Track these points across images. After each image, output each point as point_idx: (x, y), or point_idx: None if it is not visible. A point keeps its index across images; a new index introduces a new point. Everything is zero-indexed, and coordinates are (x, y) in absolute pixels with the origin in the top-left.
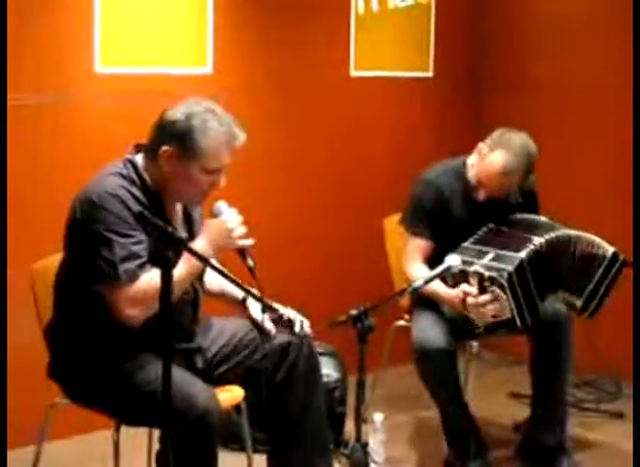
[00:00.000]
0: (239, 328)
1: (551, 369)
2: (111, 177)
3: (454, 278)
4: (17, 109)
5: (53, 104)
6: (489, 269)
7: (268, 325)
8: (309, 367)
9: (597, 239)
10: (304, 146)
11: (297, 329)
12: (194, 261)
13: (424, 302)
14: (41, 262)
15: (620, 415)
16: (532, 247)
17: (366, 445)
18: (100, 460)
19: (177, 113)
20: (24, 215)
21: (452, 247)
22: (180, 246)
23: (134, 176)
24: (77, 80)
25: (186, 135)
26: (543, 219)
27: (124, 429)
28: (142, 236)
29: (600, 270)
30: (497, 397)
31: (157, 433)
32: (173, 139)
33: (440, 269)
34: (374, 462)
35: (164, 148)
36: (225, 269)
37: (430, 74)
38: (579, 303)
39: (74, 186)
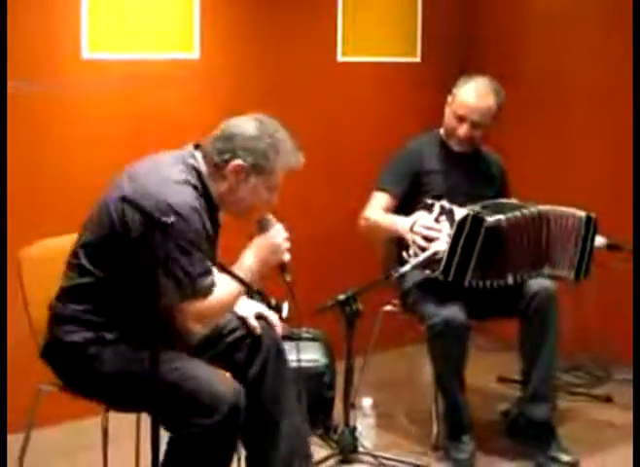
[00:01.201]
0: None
1: (538, 344)
2: (185, 188)
3: (421, 209)
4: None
5: (41, 91)
6: (455, 205)
7: (253, 323)
8: (279, 363)
9: (566, 209)
10: (292, 131)
11: (284, 314)
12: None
13: (424, 282)
14: (27, 249)
15: (608, 400)
16: (497, 218)
17: (354, 429)
18: (88, 447)
19: (249, 128)
20: (15, 204)
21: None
22: (167, 230)
23: (200, 186)
24: (64, 66)
25: (261, 152)
26: (513, 201)
27: (112, 416)
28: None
29: (580, 238)
30: (485, 381)
31: (147, 420)
32: (247, 154)
33: (427, 253)
34: (363, 447)
35: (237, 162)
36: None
37: (418, 59)
38: (571, 274)
39: (63, 170)
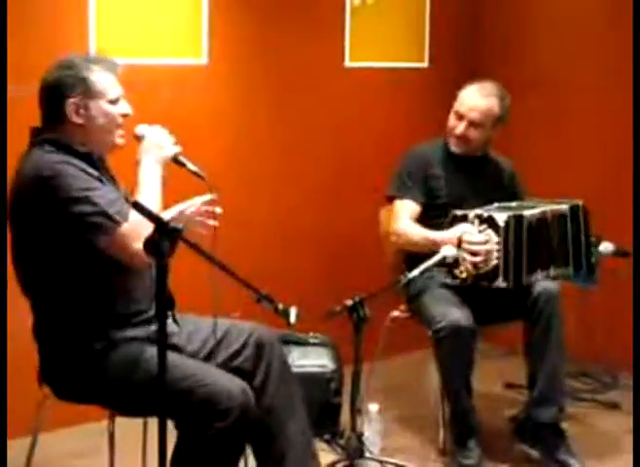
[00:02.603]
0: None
1: (542, 349)
2: (46, 156)
3: (454, 222)
4: (10, 100)
5: None
6: (490, 211)
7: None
8: (282, 367)
9: (553, 206)
10: (299, 136)
11: (292, 320)
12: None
13: (432, 287)
14: None
15: (615, 406)
16: (531, 212)
17: (361, 435)
18: (94, 451)
19: (55, 72)
20: None
21: (438, 212)
22: (176, 236)
23: (60, 149)
24: None
25: (80, 80)
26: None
27: (118, 420)
28: (107, 186)
29: (570, 231)
30: (492, 387)
31: (154, 424)
32: (70, 90)
33: (435, 258)
34: (370, 452)
35: (69, 102)
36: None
37: (425, 64)
38: (570, 270)
39: None
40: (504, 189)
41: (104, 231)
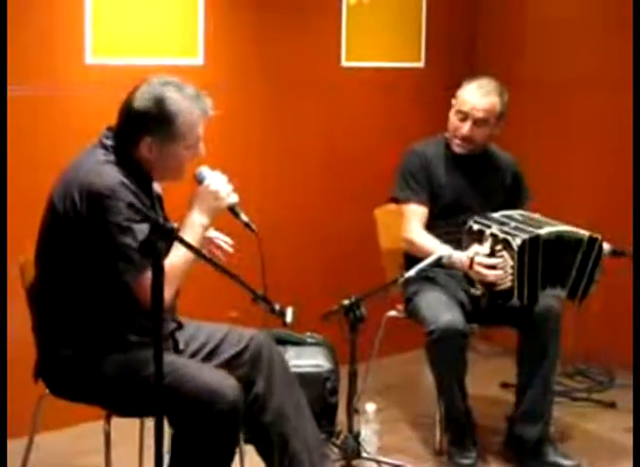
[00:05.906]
0: (213, 333)
1: (536, 364)
2: (107, 167)
3: (470, 239)
4: (9, 100)
5: (45, 95)
6: (506, 233)
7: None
8: (285, 372)
9: (570, 229)
10: (296, 136)
11: (288, 319)
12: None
13: (427, 286)
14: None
15: (611, 405)
16: (548, 230)
17: (358, 435)
18: (91, 451)
19: (145, 100)
20: (16, 208)
21: (441, 211)
22: (171, 237)
23: (123, 162)
24: (67, 71)
25: (163, 123)
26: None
27: (114, 420)
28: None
29: (579, 257)
30: (489, 387)
31: (150, 424)
32: (151, 129)
33: (431, 259)
34: (366, 452)
35: (145, 139)
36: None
37: (421, 64)
38: (563, 293)
39: None
40: (505, 187)
41: (137, 268)
